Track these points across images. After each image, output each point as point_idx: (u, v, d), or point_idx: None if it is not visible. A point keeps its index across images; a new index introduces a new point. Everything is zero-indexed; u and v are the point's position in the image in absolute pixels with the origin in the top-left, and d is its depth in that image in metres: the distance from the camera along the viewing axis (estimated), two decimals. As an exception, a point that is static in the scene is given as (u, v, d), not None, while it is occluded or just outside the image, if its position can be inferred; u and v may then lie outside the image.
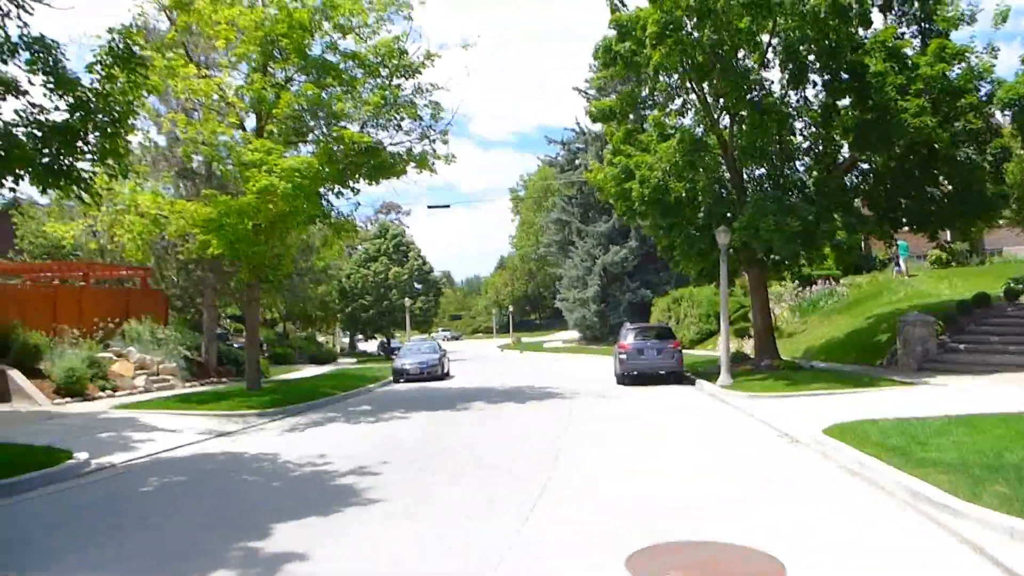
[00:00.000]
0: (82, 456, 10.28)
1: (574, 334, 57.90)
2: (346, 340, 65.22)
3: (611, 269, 50.20)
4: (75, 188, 10.03)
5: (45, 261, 26.40)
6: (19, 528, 7.06)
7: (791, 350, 24.37)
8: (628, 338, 20.19)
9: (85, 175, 10.08)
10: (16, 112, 9.24)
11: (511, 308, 79.41)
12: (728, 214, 19.05)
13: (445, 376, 26.72)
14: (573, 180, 53.00)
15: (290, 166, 15.34)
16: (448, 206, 34.64)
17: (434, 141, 19.03)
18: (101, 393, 18.37)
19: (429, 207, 36.56)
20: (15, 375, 17.20)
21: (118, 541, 6.39)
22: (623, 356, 19.81)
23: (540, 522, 6.39)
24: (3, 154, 9.10)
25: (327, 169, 17.09)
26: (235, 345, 36.63)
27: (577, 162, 53.92)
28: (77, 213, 21.77)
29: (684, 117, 21.31)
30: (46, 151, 9.62)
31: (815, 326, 28.05)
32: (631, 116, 21.30)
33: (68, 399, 17.25)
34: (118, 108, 10.04)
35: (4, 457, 9.92)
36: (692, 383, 19.52)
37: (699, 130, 19.94)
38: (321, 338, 72.87)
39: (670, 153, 18.15)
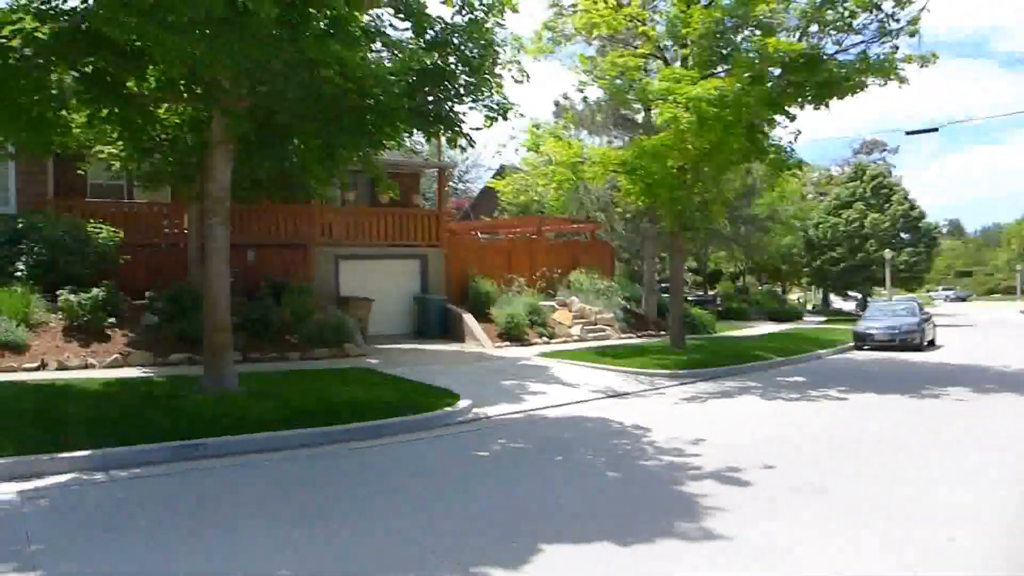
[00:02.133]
0: (463, 404, 10.12)
1: None
2: (820, 297, 59.59)
3: None
4: (449, 131, 9.65)
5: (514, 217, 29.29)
6: (252, 486, 6.75)
7: None
8: None
9: (456, 116, 9.61)
10: (387, 56, 9.12)
11: (1044, 262, 61.82)
12: None
13: (924, 346, 21.14)
14: None
15: (695, 95, 13.03)
16: (936, 130, 26.26)
17: (896, 35, 14.34)
18: (538, 339, 19.15)
19: (908, 133, 29.67)
20: (468, 319, 19.02)
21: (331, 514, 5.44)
22: None
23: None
24: (380, 102, 9.10)
25: (751, 93, 14.24)
26: (688, 299, 36.02)
27: None
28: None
29: None
30: (416, 96, 9.39)
31: None
32: None
33: (507, 343, 18.35)
34: (481, 41, 9.26)
35: (394, 397, 10.33)
36: None
37: None
38: (795, 294, 68.51)
39: None
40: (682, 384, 13.22)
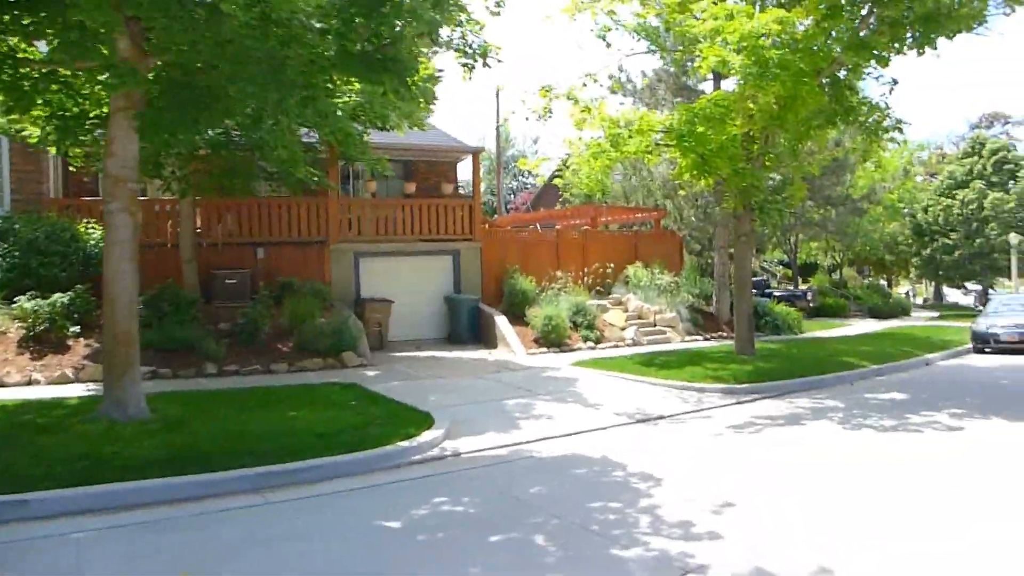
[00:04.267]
0: (431, 435, 7.79)
1: None
2: (931, 290, 53.60)
3: None
4: (396, 80, 7.34)
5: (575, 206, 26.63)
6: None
7: None
8: None
9: (404, 59, 7.29)
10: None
11: None
12: None
13: (1066, 348, 17.12)
14: None
15: (750, 31, 10.15)
16: None
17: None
18: (582, 344, 16.54)
19: None
20: (501, 321, 16.64)
21: None
22: None
23: None
24: (306, 46, 6.91)
25: (828, 29, 11.20)
26: (774, 294, 32.27)
27: None
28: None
29: None
30: (354, 37, 7.13)
31: None
32: None
33: (544, 349, 15.86)
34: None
35: (357, 423, 8.15)
36: None
37: None
38: (903, 288, 62.28)
39: None
40: (739, 403, 10.35)
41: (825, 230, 25.57)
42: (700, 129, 12.21)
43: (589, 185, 13.71)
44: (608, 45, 14.15)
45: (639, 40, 14.75)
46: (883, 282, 48.72)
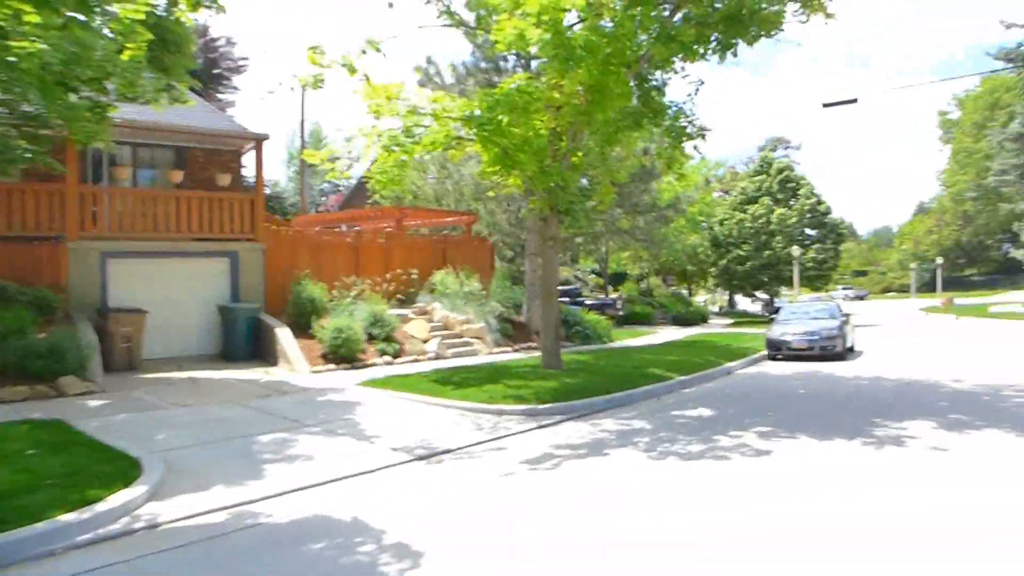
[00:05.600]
0: (130, 495, 5.68)
1: (1041, 294, 41.50)
2: (726, 298, 57.69)
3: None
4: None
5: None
6: None
7: None
8: None
9: None
10: None
11: (940, 260, 62.29)
12: None
13: (847, 352, 18.03)
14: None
15: (549, 2, 9.01)
16: (855, 100, 23.74)
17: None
18: (378, 359, 14.73)
19: (825, 105, 27.36)
20: (283, 335, 14.39)
21: None
22: None
23: None
24: None
25: (637, 18, 10.40)
26: (586, 303, 32.40)
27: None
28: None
29: None
30: None
31: None
32: None
33: (332, 366, 13.87)
34: None
35: (28, 482, 5.82)
36: None
37: None
38: (702, 296, 66.64)
39: None
40: (540, 427, 9.10)
41: (634, 238, 25.76)
42: (501, 117, 10.91)
43: (383, 182, 11.94)
44: (390, 5, 12.49)
45: (435, 9, 13.30)
46: (685, 291, 51.57)
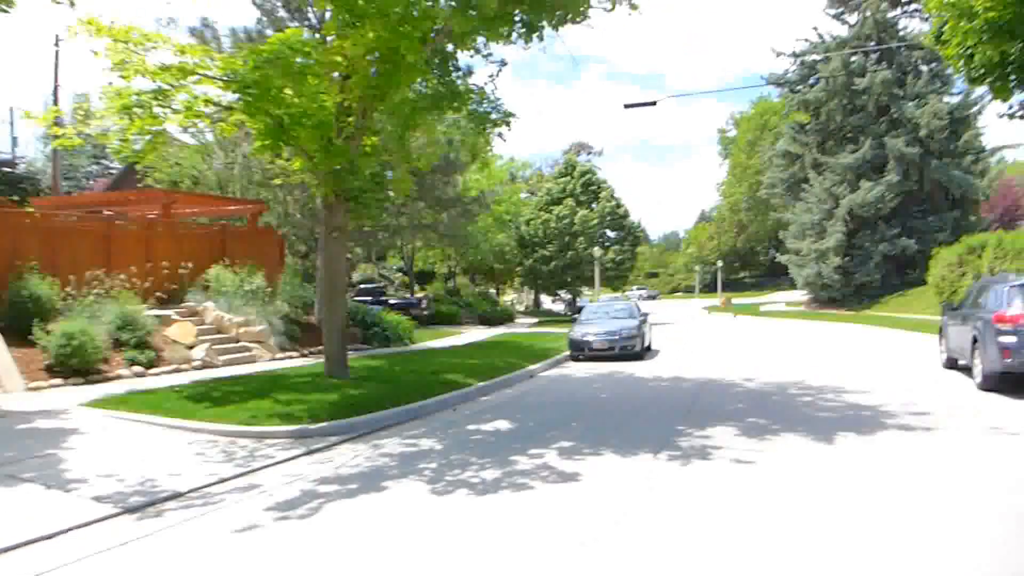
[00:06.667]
0: None
1: (799, 295, 46.50)
2: (532, 298, 58.68)
3: (860, 212, 38.30)
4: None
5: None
6: None
7: None
8: (1017, 302, 10.26)
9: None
10: None
11: (720, 263, 68.18)
12: None
13: (645, 352, 18.19)
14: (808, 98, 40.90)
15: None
16: (655, 103, 24.78)
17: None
18: (125, 370, 12.21)
19: (627, 106, 28.77)
20: (-8, 342, 11.43)
21: None
22: (1008, 339, 9.98)
23: None
24: None
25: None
26: (390, 302, 30.83)
27: (814, 79, 41.90)
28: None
29: None
30: None
31: None
32: None
33: (62, 380, 11.20)
34: None
35: None
36: None
37: None
38: (510, 295, 67.37)
39: None
40: (309, 452, 7.52)
41: (437, 233, 24.60)
42: (270, 75, 9.14)
43: (126, 154, 9.65)
44: None
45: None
46: (492, 290, 51.60)
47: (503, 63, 12.28)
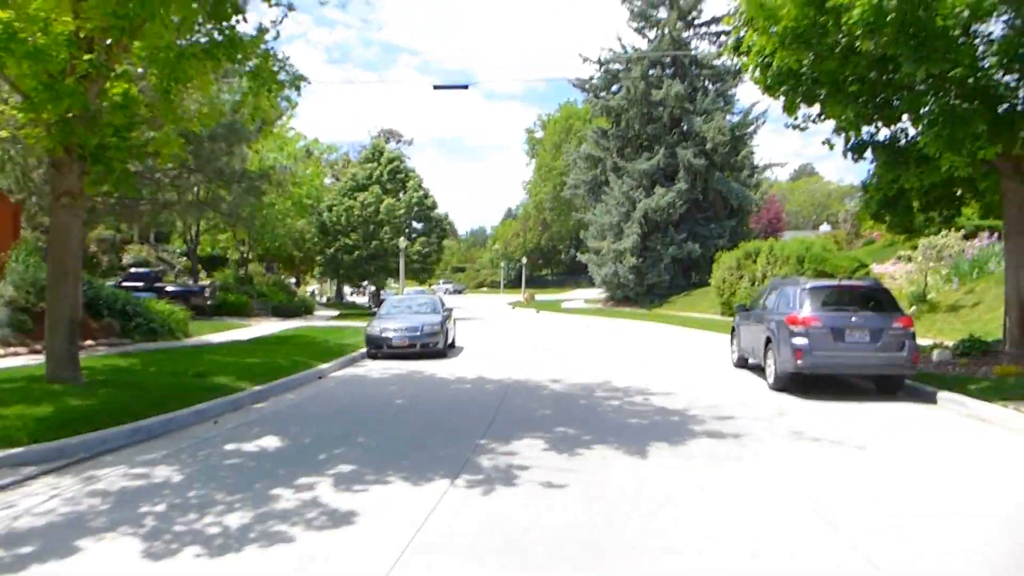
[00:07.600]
0: None
1: (596, 293, 48.56)
2: (334, 289, 55.78)
3: (653, 216, 40.48)
4: None
5: None
6: None
7: (963, 330, 14.68)
8: (807, 305, 10.49)
9: None
10: None
11: (525, 260, 69.59)
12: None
13: (449, 349, 17.19)
14: (611, 105, 42.59)
15: None
16: (466, 87, 24.38)
17: None
18: None
19: (436, 87, 27.89)
20: None
21: None
22: (800, 341, 10.15)
23: None
24: None
25: None
26: (166, 289, 27.17)
27: (616, 87, 43.71)
28: None
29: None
30: None
31: (988, 295, 18.36)
32: None
33: None
34: None
35: None
36: (932, 398, 9.98)
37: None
38: (311, 286, 63.58)
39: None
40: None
41: (216, 210, 21.73)
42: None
43: None
44: None
45: None
46: (292, 280, 48.25)
47: (290, 6, 10.50)
